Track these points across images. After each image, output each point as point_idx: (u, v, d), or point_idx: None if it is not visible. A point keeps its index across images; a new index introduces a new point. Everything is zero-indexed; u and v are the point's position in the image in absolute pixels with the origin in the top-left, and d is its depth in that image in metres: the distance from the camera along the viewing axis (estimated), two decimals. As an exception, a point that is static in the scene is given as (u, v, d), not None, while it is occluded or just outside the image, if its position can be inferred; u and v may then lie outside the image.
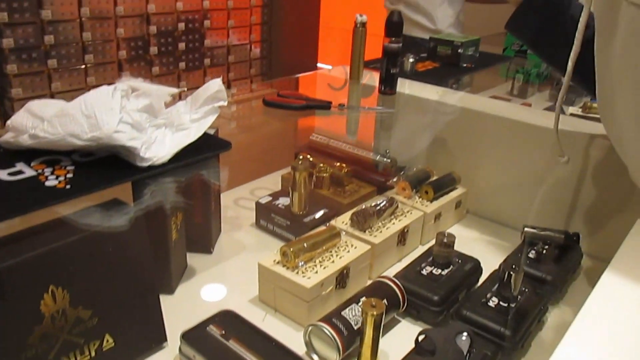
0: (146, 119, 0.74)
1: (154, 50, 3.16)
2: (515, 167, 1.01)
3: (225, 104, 0.80)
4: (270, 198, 1.01)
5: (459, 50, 1.32)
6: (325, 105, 0.99)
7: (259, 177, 1.20)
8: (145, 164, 0.71)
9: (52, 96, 2.73)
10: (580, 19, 0.71)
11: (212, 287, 0.84)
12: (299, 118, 1.17)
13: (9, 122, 0.71)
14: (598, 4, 0.59)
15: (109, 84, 0.73)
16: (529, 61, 1.50)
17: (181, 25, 3.28)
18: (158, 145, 0.73)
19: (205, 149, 0.78)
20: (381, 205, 0.92)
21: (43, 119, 0.69)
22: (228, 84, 3.52)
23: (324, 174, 1.04)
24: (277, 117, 1.14)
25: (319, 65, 4.16)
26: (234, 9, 3.54)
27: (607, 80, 0.62)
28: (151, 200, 0.74)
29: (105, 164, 0.71)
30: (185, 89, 0.75)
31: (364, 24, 1.14)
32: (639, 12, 0.52)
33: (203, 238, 0.92)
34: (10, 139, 0.71)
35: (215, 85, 0.79)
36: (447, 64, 1.34)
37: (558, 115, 0.78)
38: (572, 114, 1.46)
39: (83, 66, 2.79)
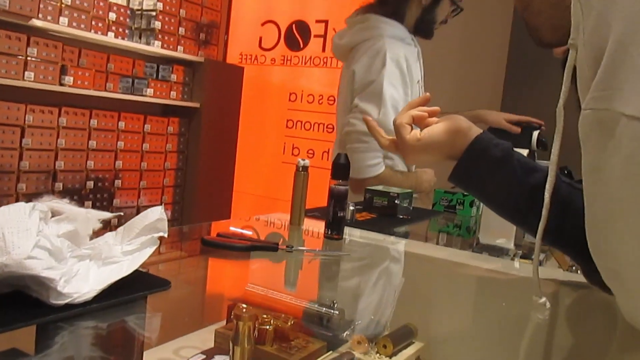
0: (68, 247, 0.60)
1: (56, 207, 2.95)
2: (478, 317, 0.93)
3: (166, 235, 0.68)
4: (203, 356, 0.84)
5: (396, 202, 1.31)
6: (272, 247, 0.89)
7: (185, 334, 1.02)
8: (62, 302, 0.55)
9: None
10: (553, 149, 0.70)
11: None
12: (230, 266, 1.05)
13: None
14: (584, 125, 0.57)
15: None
16: (458, 216, 1.52)
17: (90, 184, 3.13)
18: (80, 279, 0.59)
19: (137, 287, 0.64)
20: (340, 361, 0.78)
21: None
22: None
23: (267, 327, 0.90)
24: (203, 265, 1.01)
25: (231, 229, 4.08)
26: (147, 170, 3.48)
27: (600, 204, 0.58)
28: (60, 351, 0.57)
29: (5, 301, 0.55)
30: (122, 214, 0.63)
31: (306, 168, 1.10)
32: None
33: (118, 409, 0.72)
34: None
35: (155, 213, 0.68)
36: (384, 215, 1.31)
37: (538, 255, 0.73)
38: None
39: (-29, 221, 2.52)
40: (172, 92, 3.59)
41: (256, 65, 4.30)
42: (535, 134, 1.72)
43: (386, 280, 1.00)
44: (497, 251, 1.50)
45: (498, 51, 2.60)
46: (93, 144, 3.15)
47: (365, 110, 1.59)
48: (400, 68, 1.63)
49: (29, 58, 2.78)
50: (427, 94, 0.92)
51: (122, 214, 0.65)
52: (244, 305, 0.88)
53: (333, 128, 3.97)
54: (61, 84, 2.95)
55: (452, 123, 0.87)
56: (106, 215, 0.66)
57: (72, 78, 2.99)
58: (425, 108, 0.91)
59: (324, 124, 4.09)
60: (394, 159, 1.70)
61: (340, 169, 1.01)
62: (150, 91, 3.44)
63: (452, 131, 0.86)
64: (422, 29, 1.72)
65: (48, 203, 0.61)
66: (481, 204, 1.56)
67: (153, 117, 3.51)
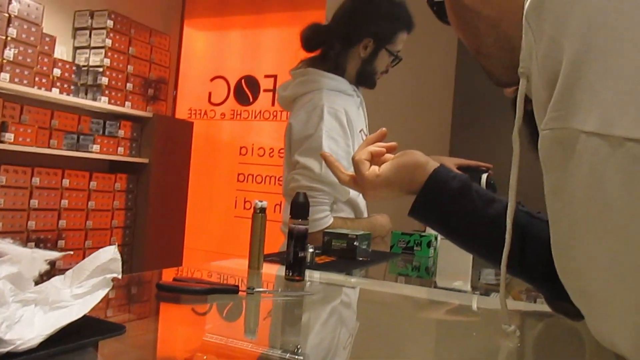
0: (10, 290, 0.55)
1: (-7, 271, 2.77)
2: (449, 351, 0.91)
3: (120, 276, 0.64)
4: (160, 412, 0.78)
5: (355, 243, 1.30)
6: (232, 290, 0.85)
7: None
8: (3, 350, 0.50)
9: None
10: (511, 175, 0.70)
11: None
12: (188, 313, 0.99)
13: None
14: (543, 146, 0.57)
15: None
16: (416, 257, 1.51)
17: (31, 245, 2.96)
18: (24, 325, 0.53)
19: (88, 333, 0.59)
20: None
21: None
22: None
23: (229, 376, 0.84)
24: (159, 312, 0.95)
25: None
26: (93, 229, 3.35)
27: (564, 224, 0.58)
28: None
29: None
30: (72, 252, 0.59)
31: (263, 210, 1.07)
32: (603, 142, 0.50)
33: None
34: None
35: (108, 253, 0.64)
36: (343, 257, 1.29)
37: (504, 283, 0.72)
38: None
39: None
40: (119, 148, 3.52)
41: (206, 120, 4.30)
42: (484, 176, 1.77)
43: (351, 321, 0.97)
44: (454, 293, 1.50)
45: (443, 97, 2.70)
46: (35, 203, 3.01)
47: (307, 165, 1.58)
48: (339, 121, 1.63)
49: (-34, 115, 2.68)
50: (384, 129, 0.92)
51: (71, 252, 0.61)
52: (202, 355, 0.83)
53: (285, 180, 3.97)
54: (1, 141, 2.84)
55: (410, 157, 0.88)
56: (53, 255, 0.61)
57: (12, 135, 2.88)
58: (383, 144, 0.91)
59: (275, 177, 4.09)
60: (344, 209, 1.69)
61: (300, 208, 0.99)
62: (96, 147, 3.36)
63: (410, 165, 0.87)
64: (364, 80, 1.76)
65: (-12, 243, 0.56)
66: (438, 245, 1.57)
67: (99, 174, 3.41)
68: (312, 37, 1.76)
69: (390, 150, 0.90)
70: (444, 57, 2.66)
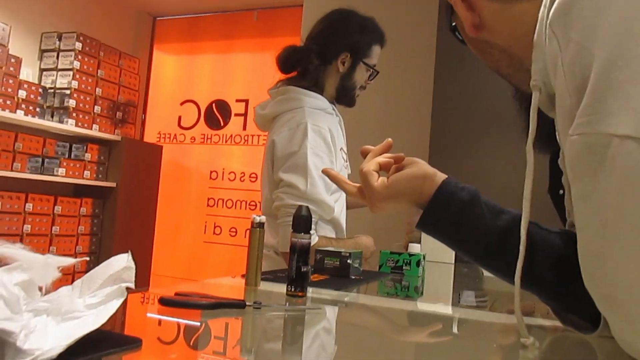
0: (23, 298, 0.51)
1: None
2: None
3: (134, 286, 0.60)
4: None
5: (348, 261, 1.27)
6: (239, 304, 0.81)
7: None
8: (23, 360, 0.45)
9: None
10: (525, 187, 0.70)
11: None
12: (197, 327, 0.93)
13: None
14: (572, 151, 0.57)
15: None
16: (406, 276, 1.50)
17: (-11, 272, 2.82)
18: (39, 336, 0.49)
19: (104, 346, 0.55)
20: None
21: None
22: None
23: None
24: (168, 327, 0.90)
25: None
26: (57, 255, 3.20)
27: (593, 231, 0.57)
28: None
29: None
30: (88, 258, 0.55)
31: (262, 224, 1.04)
32: (638, 145, 0.50)
33: None
34: None
35: (121, 261, 0.60)
36: (337, 276, 1.27)
37: (518, 296, 0.72)
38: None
39: None
40: (85, 172, 3.41)
41: (175, 144, 4.23)
42: None
43: (370, 334, 0.94)
44: (464, 310, 1.48)
45: (421, 115, 2.72)
46: (-5, 227, 2.87)
47: (292, 183, 1.55)
48: (323, 138, 1.62)
49: None
50: (390, 139, 0.91)
51: (87, 258, 0.57)
52: None
53: (256, 205, 3.92)
54: (-39, 163, 2.72)
55: (418, 169, 0.87)
56: (69, 261, 0.57)
57: (-27, 157, 2.76)
58: (390, 155, 0.90)
59: (246, 202, 4.04)
60: (325, 228, 1.67)
61: (302, 221, 0.97)
62: (62, 171, 3.24)
63: (419, 177, 0.85)
64: (343, 97, 1.76)
65: (-2, 248, 0.52)
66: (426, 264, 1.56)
67: (64, 198, 3.29)
68: (289, 58, 1.76)
69: (397, 161, 0.89)
70: (421, 75, 2.70)
